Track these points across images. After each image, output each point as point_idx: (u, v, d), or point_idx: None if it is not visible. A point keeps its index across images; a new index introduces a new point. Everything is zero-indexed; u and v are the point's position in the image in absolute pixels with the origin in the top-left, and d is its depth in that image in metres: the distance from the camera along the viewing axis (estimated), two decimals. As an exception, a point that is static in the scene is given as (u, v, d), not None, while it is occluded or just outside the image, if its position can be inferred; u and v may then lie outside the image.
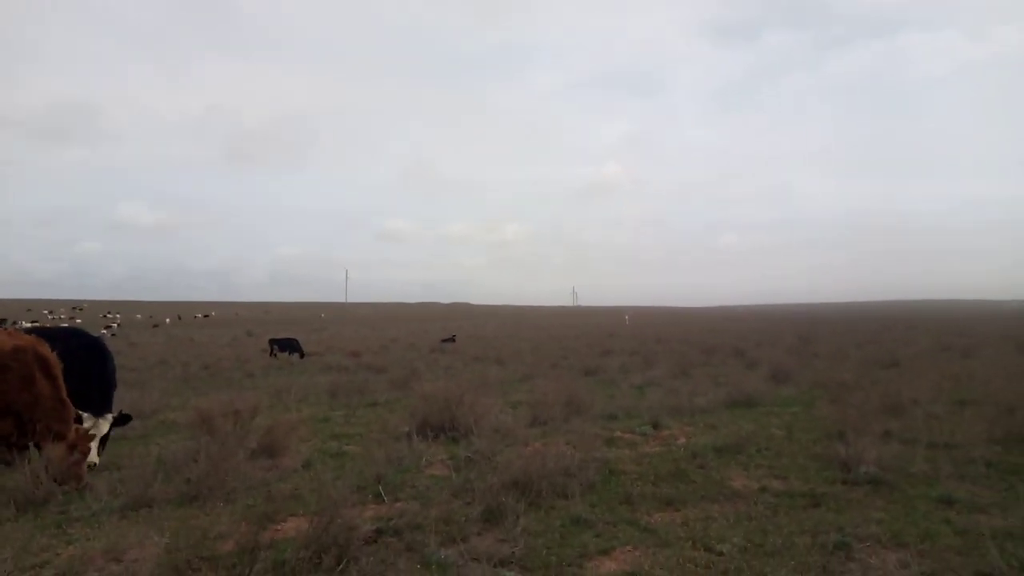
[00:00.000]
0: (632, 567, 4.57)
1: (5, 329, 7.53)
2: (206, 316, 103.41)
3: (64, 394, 6.95)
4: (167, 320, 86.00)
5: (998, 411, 8.97)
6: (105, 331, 54.56)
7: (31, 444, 7.02)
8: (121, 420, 7.87)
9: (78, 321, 73.96)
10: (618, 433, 9.08)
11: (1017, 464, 7.05)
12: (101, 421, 7.55)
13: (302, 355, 27.37)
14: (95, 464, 7.21)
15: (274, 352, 27.95)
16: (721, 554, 4.78)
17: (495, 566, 4.47)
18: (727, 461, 7.42)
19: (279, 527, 5.47)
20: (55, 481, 6.38)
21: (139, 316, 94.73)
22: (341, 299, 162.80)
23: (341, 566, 4.47)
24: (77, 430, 6.96)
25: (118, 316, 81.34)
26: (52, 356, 6.94)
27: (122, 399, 9.17)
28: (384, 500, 6.07)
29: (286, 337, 30.93)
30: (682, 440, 8.57)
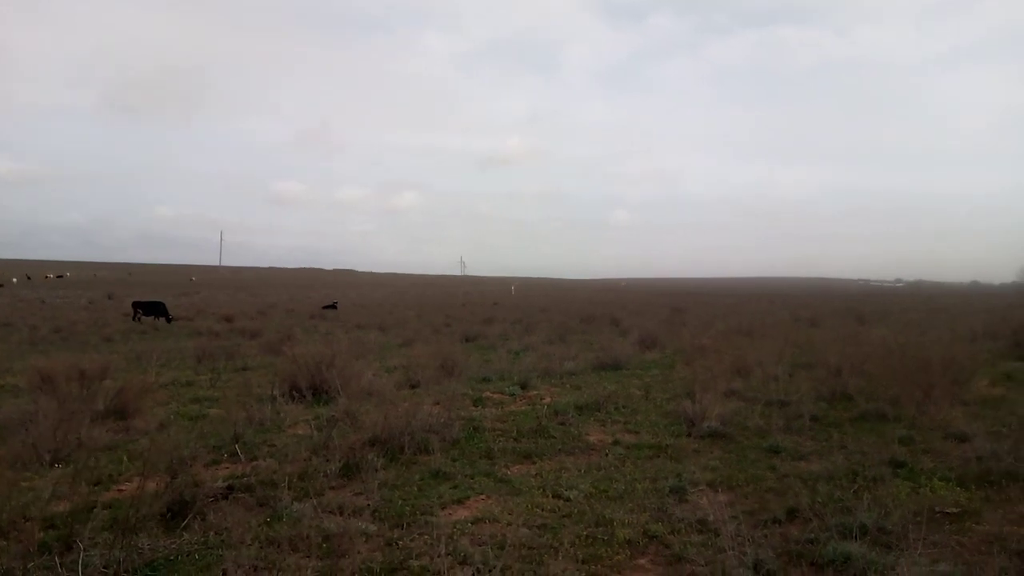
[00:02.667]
0: (483, 513, 4.74)
1: None
2: (59, 277, 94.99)
3: None
4: (14, 280, 78.22)
5: (827, 373, 9.95)
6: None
7: None
8: None
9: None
10: (487, 393, 9.30)
11: (838, 418, 7.87)
12: None
13: (169, 319, 25.83)
14: None
15: (138, 316, 26.21)
16: (568, 500, 5.06)
17: (348, 517, 4.50)
18: (587, 418, 7.81)
19: (122, 487, 5.23)
20: None
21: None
22: (214, 262, 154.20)
23: (186, 521, 4.35)
24: None
25: (-50, 274, 73.03)
26: None
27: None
28: (240, 459, 5.93)
29: (152, 300, 29.05)
30: (547, 400, 8.91)
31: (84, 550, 3.49)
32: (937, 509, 4.79)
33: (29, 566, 3.53)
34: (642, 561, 4.09)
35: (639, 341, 16.35)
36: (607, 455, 6.34)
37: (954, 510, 4.80)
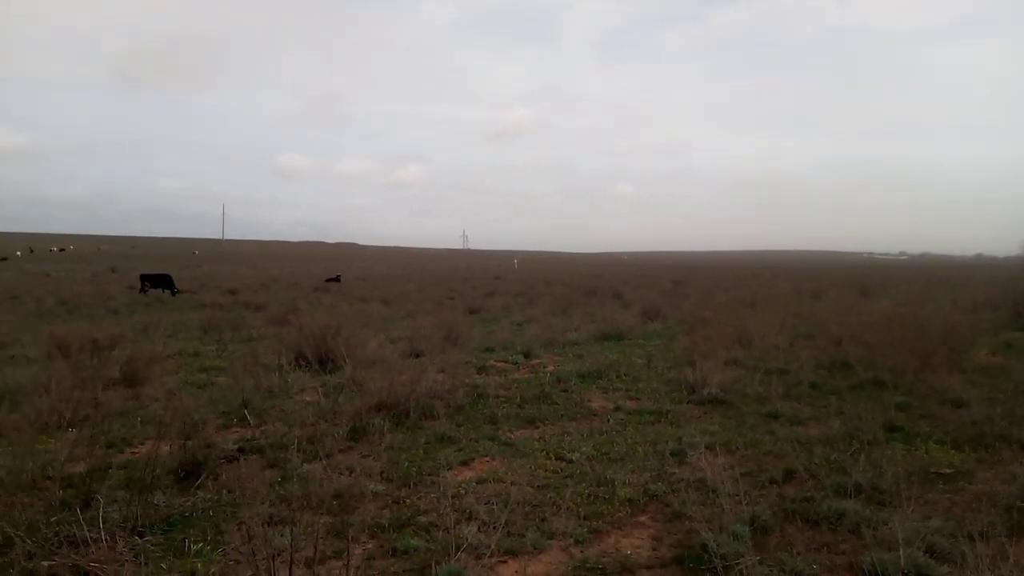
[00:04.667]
0: (487, 474, 4.88)
1: None
2: (62, 250, 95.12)
3: None
4: (18, 253, 78.42)
5: (828, 342, 10.04)
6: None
7: None
8: None
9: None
10: (491, 362, 9.43)
11: (837, 386, 7.97)
12: None
13: (174, 292, 26.00)
14: None
15: (145, 288, 26.40)
16: (570, 462, 5.18)
17: (357, 477, 4.63)
18: (589, 385, 7.93)
19: (135, 449, 5.36)
20: None
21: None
22: (217, 235, 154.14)
23: (199, 481, 4.48)
24: None
25: (-45, 248, 73.16)
26: None
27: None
28: (250, 423, 6.07)
29: (158, 273, 29.25)
30: (550, 368, 9.03)
31: (104, 505, 3.61)
32: (931, 470, 4.91)
33: (52, 520, 3.67)
34: (642, 518, 4.22)
35: (641, 313, 16.45)
36: (608, 420, 6.46)
37: (948, 471, 4.92)
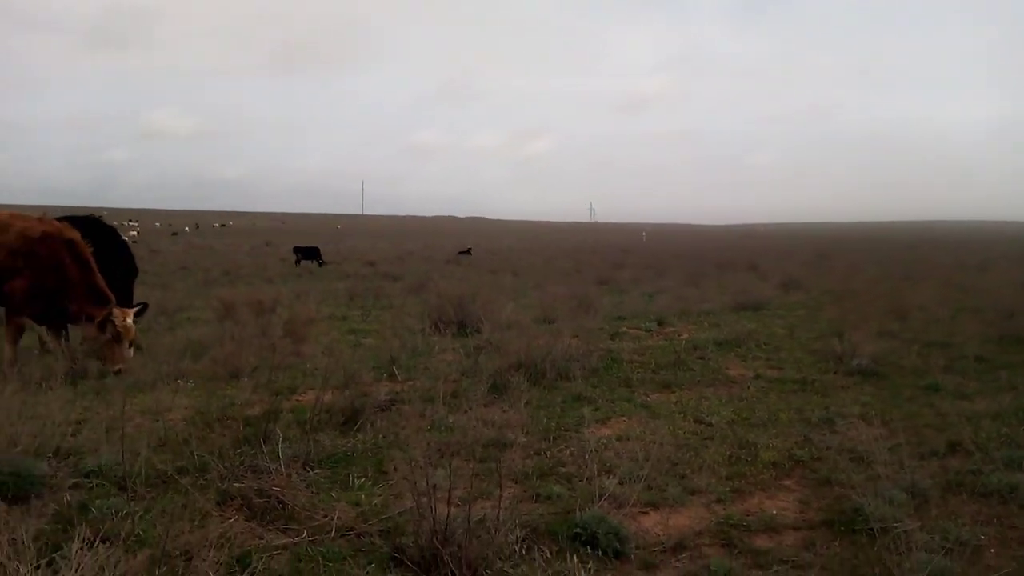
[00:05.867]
0: (625, 432, 4.93)
1: (37, 218, 7.73)
2: (223, 226, 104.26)
3: (95, 279, 7.23)
4: (186, 228, 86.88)
5: (997, 315, 9.15)
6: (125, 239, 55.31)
7: (67, 326, 7.42)
8: (139, 312, 7.83)
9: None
10: (623, 329, 9.41)
11: (1009, 361, 7.27)
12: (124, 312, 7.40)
13: (321, 263, 27.93)
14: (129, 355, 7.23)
15: (299, 260, 28.61)
16: (710, 425, 5.12)
17: (499, 429, 4.83)
18: (726, 353, 7.74)
19: (300, 397, 5.89)
20: (99, 360, 6.78)
21: (157, 224, 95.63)
22: (357, 211, 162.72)
23: (357, 426, 4.87)
24: (107, 312, 7.18)
25: (137, 224, 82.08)
26: (81, 241, 7.20)
27: (147, 298, 9.47)
28: (398, 378, 6.47)
29: (308, 246, 31.54)
30: (685, 336, 8.88)
31: (282, 440, 4.03)
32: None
33: (237, 451, 4.14)
34: (787, 482, 4.11)
35: (781, 284, 15.71)
36: (748, 388, 6.30)
37: None
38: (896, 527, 3.10)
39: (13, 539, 2.55)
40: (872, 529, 3.24)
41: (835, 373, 6.77)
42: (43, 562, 2.44)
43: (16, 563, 2.45)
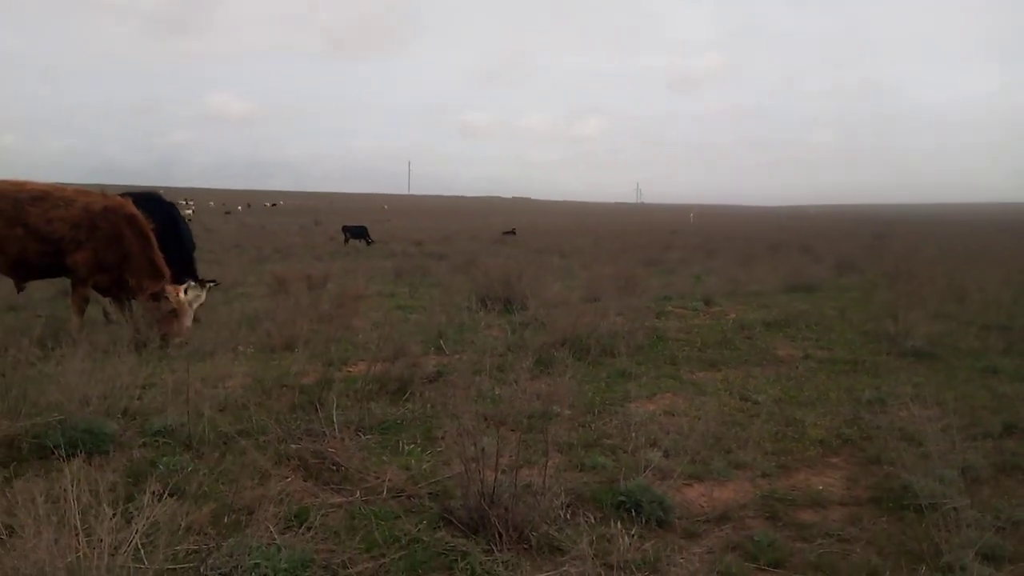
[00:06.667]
0: (670, 408, 4.95)
1: (99, 192, 8.04)
2: (274, 205, 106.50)
3: (154, 253, 7.52)
4: (239, 208, 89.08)
5: (1065, 298, 8.79)
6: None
7: (128, 299, 7.75)
8: (208, 286, 8.06)
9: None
10: (670, 308, 9.36)
11: (1075, 345, 7.01)
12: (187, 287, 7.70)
13: (369, 242, 28.41)
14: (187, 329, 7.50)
15: (348, 239, 29.16)
16: (756, 402, 5.10)
17: (544, 402, 4.90)
18: (775, 333, 7.64)
19: (351, 368, 6.07)
20: (159, 332, 7.09)
21: (212, 203, 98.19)
22: (403, 191, 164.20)
23: (406, 395, 5.01)
24: (166, 286, 7.45)
25: (192, 203, 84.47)
26: (141, 217, 7.49)
27: (205, 274, 9.81)
28: (445, 352, 6.59)
29: (357, 225, 32.11)
30: (732, 315, 8.79)
31: (336, 406, 4.18)
32: None
33: (294, 416, 4.32)
34: (835, 460, 4.09)
35: (835, 266, 15.35)
36: (797, 367, 6.22)
37: None
38: (946, 503, 3.07)
39: (92, 490, 2.74)
40: (921, 506, 3.22)
41: (888, 354, 6.63)
42: (119, 511, 2.61)
43: (95, 511, 2.64)
